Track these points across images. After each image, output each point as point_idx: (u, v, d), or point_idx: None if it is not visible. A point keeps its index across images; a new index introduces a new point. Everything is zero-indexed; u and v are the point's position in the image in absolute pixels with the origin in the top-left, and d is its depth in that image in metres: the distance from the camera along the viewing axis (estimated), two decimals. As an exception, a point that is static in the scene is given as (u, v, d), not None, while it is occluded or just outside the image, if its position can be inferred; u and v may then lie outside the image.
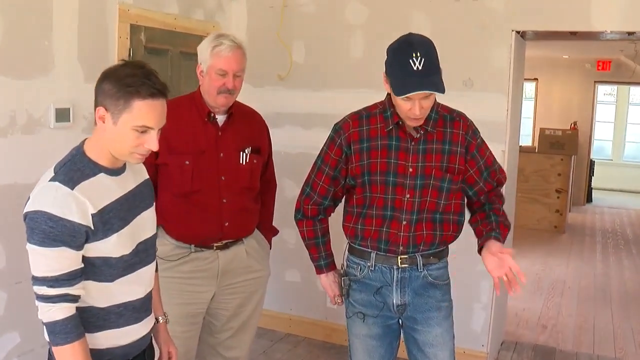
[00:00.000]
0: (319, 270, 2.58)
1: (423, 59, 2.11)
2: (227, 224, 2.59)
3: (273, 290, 4.62)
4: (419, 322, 2.43)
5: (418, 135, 2.32)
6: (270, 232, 2.90)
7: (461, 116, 2.41)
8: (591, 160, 11.55)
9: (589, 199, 11.79)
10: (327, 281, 2.57)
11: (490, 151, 2.47)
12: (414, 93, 2.13)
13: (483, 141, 2.44)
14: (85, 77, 3.21)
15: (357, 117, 2.41)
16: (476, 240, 2.40)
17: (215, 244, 2.62)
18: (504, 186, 2.57)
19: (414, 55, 2.11)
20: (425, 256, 2.40)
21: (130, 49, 3.54)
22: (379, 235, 2.37)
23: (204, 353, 2.91)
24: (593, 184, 11.97)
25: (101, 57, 3.33)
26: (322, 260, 2.56)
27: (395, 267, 2.38)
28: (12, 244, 2.89)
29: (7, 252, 2.93)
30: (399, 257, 2.37)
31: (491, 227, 2.33)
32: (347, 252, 2.52)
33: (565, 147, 9.18)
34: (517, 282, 2.16)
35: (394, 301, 2.41)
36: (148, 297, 1.91)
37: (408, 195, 2.33)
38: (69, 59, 3.18)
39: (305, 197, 2.52)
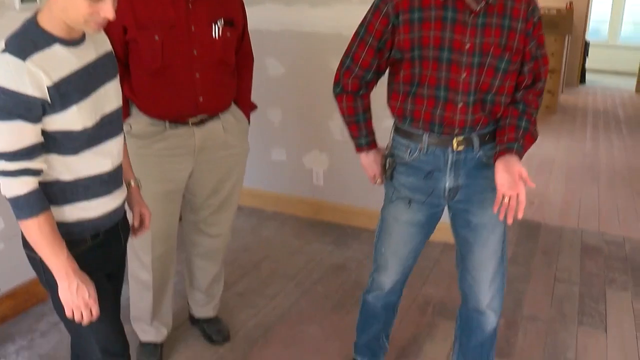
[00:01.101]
0: (359, 148, 2.37)
1: None
2: (201, 98, 2.50)
3: (260, 169, 4.64)
4: (475, 204, 2.27)
5: (479, 8, 2.02)
6: (247, 107, 2.80)
7: None
8: (586, 42, 11.33)
9: (582, 80, 11.69)
10: (367, 160, 2.38)
11: (542, 34, 2.20)
12: None
13: (540, 20, 2.17)
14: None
15: None
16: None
17: (190, 120, 2.54)
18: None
19: None
20: (482, 136, 2.20)
21: None
22: (431, 117, 2.15)
23: (186, 230, 2.92)
24: (587, 66, 11.81)
25: None
26: (363, 138, 2.35)
27: (450, 149, 2.19)
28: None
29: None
30: (455, 139, 2.17)
31: (517, 135, 2.13)
32: (393, 132, 2.33)
33: (559, 26, 8.92)
34: (513, 214, 2.04)
35: (447, 185, 2.24)
36: (117, 170, 1.86)
37: (464, 75, 2.08)
38: None
39: (346, 70, 2.26)
